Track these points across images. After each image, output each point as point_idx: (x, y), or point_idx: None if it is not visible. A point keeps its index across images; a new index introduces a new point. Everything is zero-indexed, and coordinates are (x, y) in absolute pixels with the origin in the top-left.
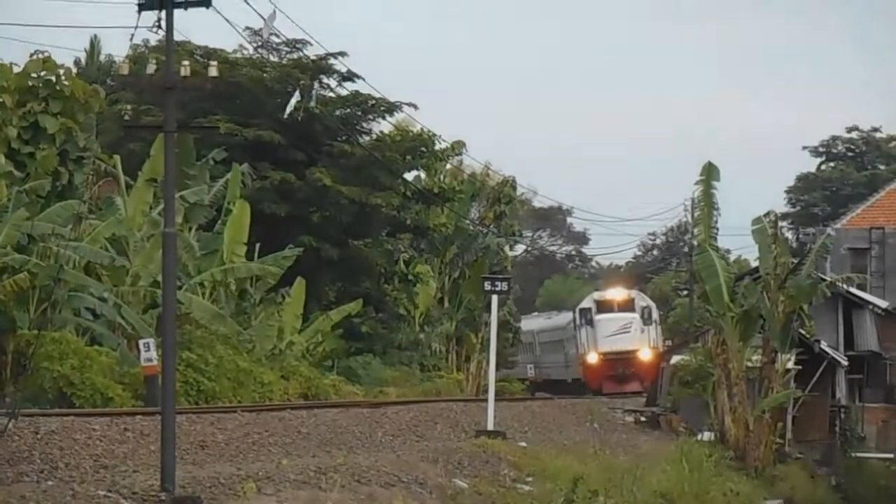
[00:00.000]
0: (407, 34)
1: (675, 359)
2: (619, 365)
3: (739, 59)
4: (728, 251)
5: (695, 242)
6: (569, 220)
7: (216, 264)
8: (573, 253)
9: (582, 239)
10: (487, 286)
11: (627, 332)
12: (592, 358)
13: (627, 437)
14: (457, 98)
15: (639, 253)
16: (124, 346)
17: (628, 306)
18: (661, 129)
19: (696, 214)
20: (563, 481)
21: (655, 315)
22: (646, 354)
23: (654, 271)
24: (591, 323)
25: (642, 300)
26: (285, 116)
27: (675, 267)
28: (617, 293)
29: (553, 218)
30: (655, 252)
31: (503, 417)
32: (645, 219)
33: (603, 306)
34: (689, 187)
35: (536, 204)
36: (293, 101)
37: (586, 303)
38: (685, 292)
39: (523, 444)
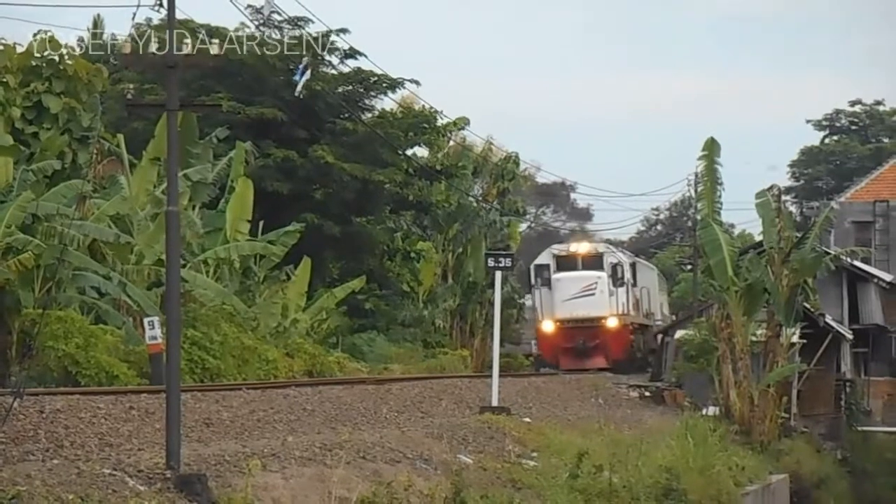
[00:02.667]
0: (405, 12)
1: (679, 333)
2: (580, 335)
3: (739, 32)
4: (732, 225)
5: (698, 217)
6: (572, 195)
7: (220, 242)
8: (577, 229)
9: (585, 215)
10: (491, 262)
11: (591, 295)
12: (548, 326)
13: (632, 412)
14: (459, 76)
15: (642, 228)
16: (129, 324)
17: (594, 263)
18: (662, 103)
19: (699, 189)
20: (567, 456)
21: (629, 274)
22: (613, 323)
23: (657, 246)
24: (547, 283)
25: (612, 255)
26: (296, 94)
27: (678, 242)
28: (581, 246)
29: (557, 194)
30: (659, 227)
31: (507, 393)
32: (648, 194)
33: (563, 262)
34: (692, 162)
35: (540, 180)
36: (303, 78)
37: (543, 258)
38: (689, 267)
39: (528, 419)
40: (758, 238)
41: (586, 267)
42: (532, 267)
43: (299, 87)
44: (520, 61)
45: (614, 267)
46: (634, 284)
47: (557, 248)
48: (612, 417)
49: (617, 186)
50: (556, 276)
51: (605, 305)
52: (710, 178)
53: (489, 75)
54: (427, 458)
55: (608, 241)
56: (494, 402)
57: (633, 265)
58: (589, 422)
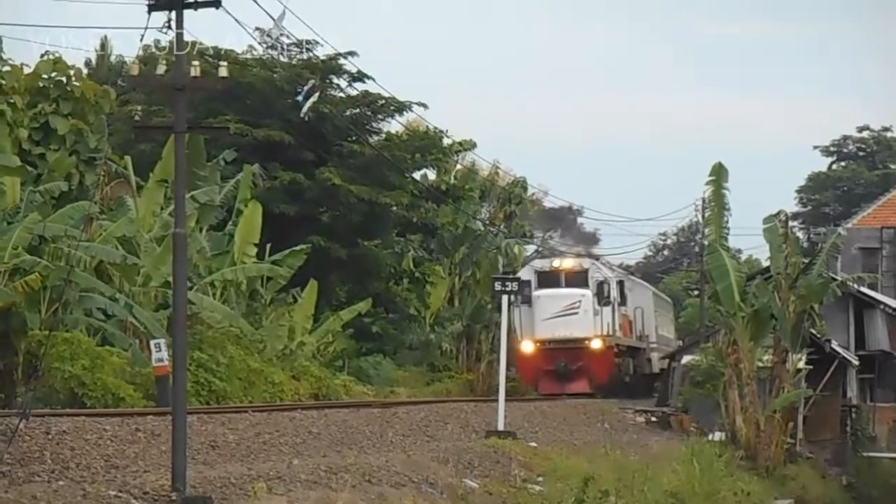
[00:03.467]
0: (409, 32)
1: (686, 358)
2: (562, 357)
3: (746, 58)
4: (739, 251)
5: (705, 242)
6: (579, 220)
7: (227, 265)
8: (583, 253)
9: (592, 239)
10: (497, 286)
11: (574, 314)
12: (527, 347)
13: (638, 437)
14: (465, 99)
15: (650, 253)
16: (136, 346)
17: (579, 279)
18: (668, 128)
19: (706, 214)
20: (573, 481)
21: (615, 292)
22: (597, 344)
23: (664, 271)
24: (528, 300)
25: (598, 271)
26: (301, 114)
27: (686, 267)
28: (564, 262)
29: (564, 218)
30: (666, 252)
31: (513, 417)
32: (656, 219)
33: (545, 278)
34: (699, 187)
35: (547, 204)
36: (309, 101)
37: (524, 273)
38: (696, 292)
39: (534, 444)
40: (765, 264)
41: (570, 284)
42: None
43: (304, 109)
44: (525, 85)
45: (600, 284)
46: (623, 303)
47: (539, 263)
48: (618, 442)
49: (624, 211)
50: (536, 293)
51: (590, 325)
52: (717, 204)
53: (493, 99)
54: (433, 482)
55: (594, 257)
56: (500, 427)
57: (620, 283)
58: (595, 446)
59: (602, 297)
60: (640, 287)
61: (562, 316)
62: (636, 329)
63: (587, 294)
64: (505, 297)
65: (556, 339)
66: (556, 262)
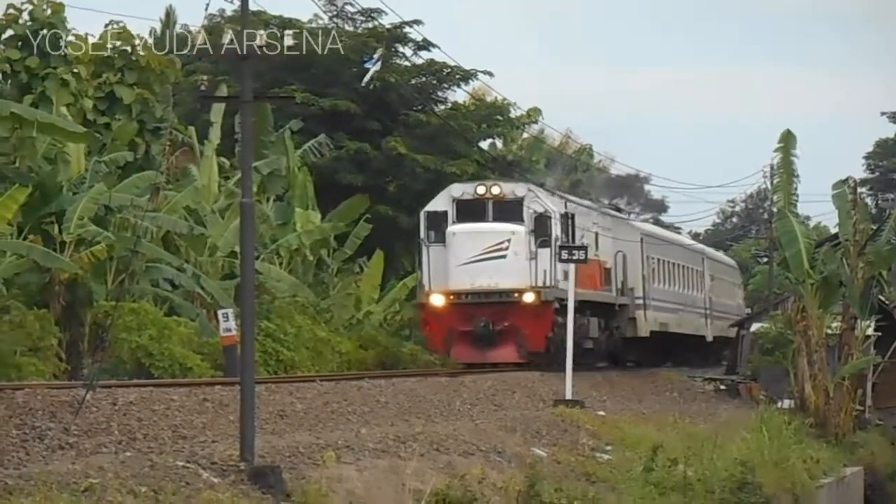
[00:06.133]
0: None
1: (755, 326)
2: (483, 314)
3: (814, 26)
4: (808, 217)
5: (774, 209)
6: (647, 187)
7: (289, 232)
8: (651, 221)
9: (660, 207)
10: (564, 255)
11: (501, 258)
12: (437, 300)
13: (707, 406)
14: (533, 66)
15: (718, 220)
16: (203, 316)
17: (510, 211)
18: (738, 95)
19: (775, 181)
20: (642, 450)
21: (558, 229)
22: (530, 298)
23: (733, 238)
24: (442, 238)
25: (537, 200)
26: (364, 83)
27: (754, 234)
28: (493, 187)
29: (631, 185)
30: (735, 219)
31: (581, 387)
32: (724, 185)
33: (466, 209)
34: (768, 153)
35: (614, 171)
36: (372, 70)
37: (438, 202)
38: (765, 259)
39: (602, 412)
40: (833, 230)
41: (498, 217)
42: (422, 215)
43: (367, 78)
44: (594, 54)
45: (539, 219)
46: (556, 239)
47: (458, 189)
48: (686, 411)
49: (692, 178)
50: (452, 228)
51: (521, 273)
52: (785, 170)
53: (560, 66)
54: (501, 450)
55: (538, 183)
56: (568, 396)
57: (569, 217)
58: (663, 415)
59: (541, 236)
60: (623, 225)
61: (484, 260)
62: (614, 280)
63: (519, 231)
64: (571, 266)
65: (475, 290)
66: (482, 188)
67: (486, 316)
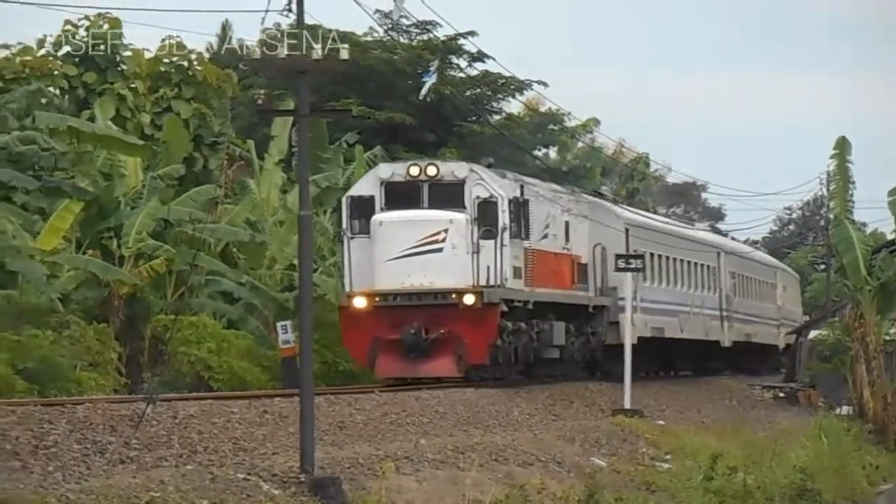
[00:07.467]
0: (532, 9)
1: (812, 333)
2: (414, 319)
3: (862, 36)
4: (864, 224)
5: (831, 216)
6: (703, 195)
7: None
8: (708, 229)
9: (717, 214)
10: (621, 264)
11: (437, 251)
12: (360, 303)
13: (766, 414)
14: (588, 77)
15: (775, 227)
16: (261, 328)
17: (449, 196)
18: (793, 102)
19: (831, 188)
20: (702, 458)
21: (507, 217)
22: (470, 300)
23: (790, 246)
24: (367, 229)
25: (481, 183)
26: (421, 96)
27: (811, 241)
28: (428, 167)
29: (688, 194)
30: (792, 226)
31: (640, 396)
32: (780, 193)
33: (396, 194)
34: (824, 160)
35: (670, 180)
36: (429, 82)
37: (364, 185)
38: (822, 266)
39: (661, 422)
40: (890, 236)
41: (435, 203)
42: (344, 201)
43: (424, 91)
44: (647, 61)
45: (483, 205)
46: (521, 235)
47: (387, 170)
48: (745, 419)
49: (749, 185)
50: (379, 216)
51: (462, 270)
52: (841, 177)
53: (617, 76)
54: (560, 460)
55: (485, 163)
56: (627, 405)
57: (521, 202)
58: (723, 423)
59: (485, 225)
60: (601, 210)
61: (416, 254)
62: (593, 277)
63: (459, 219)
64: (628, 275)
65: (405, 290)
66: (415, 169)
67: (419, 321)
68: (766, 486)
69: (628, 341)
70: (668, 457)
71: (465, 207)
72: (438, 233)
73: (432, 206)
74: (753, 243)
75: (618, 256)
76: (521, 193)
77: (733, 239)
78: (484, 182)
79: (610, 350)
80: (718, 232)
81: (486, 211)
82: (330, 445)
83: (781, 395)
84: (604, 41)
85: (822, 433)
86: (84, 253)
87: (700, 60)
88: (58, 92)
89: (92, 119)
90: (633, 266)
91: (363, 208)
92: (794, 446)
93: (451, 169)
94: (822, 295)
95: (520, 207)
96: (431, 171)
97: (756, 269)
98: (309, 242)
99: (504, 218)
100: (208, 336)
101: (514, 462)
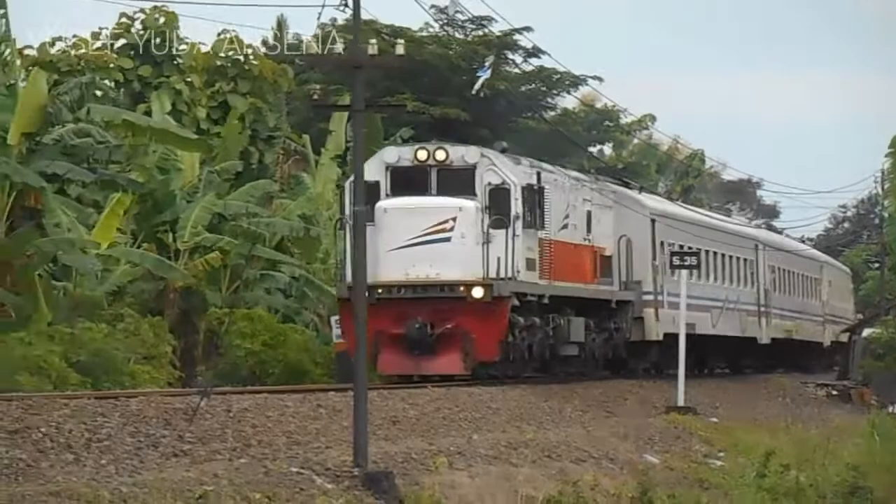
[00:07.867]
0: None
1: (866, 332)
2: (418, 313)
3: None
4: None
5: (885, 214)
6: (759, 192)
7: None
8: (762, 226)
9: (772, 212)
10: (676, 261)
11: (445, 241)
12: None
13: (819, 411)
14: (644, 73)
15: (829, 226)
16: (316, 322)
17: (459, 182)
18: (848, 100)
19: (885, 186)
20: (755, 456)
21: (520, 206)
22: (479, 293)
23: (845, 244)
24: (371, 216)
25: (493, 169)
26: (474, 92)
27: (866, 239)
28: (437, 152)
29: (743, 191)
30: (846, 224)
31: (693, 393)
32: (835, 191)
33: (402, 179)
34: (879, 158)
35: (726, 177)
36: (481, 78)
37: (369, 170)
38: (877, 265)
39: (714, 419)
40: None
41: (444, 189)
42: (346, 186)
43: (477, 86)
44: (704, 59)
45: (494, 192)
46: (536, 225)
47: (394, 154)
48: (798, 417)
49: (804, 183)
50: (383, 203)
51: (471, 261)
52: None
53: (675, 74)
54: (613, 457)
55: (498, 147)
56: (680, 402)
57: (537, 190)
58: (776, 421)
59: (497, 214)
60: (634, 205)
61: (423, 243)
62: (617, 271)
63: (468, 207)
64: (683, 272)
65: (410, 282)
66: (423, 153)
67: (424, 315)
68: (818, 483)
69: (682, 339)
70: (721, 454)
71: (475, 194)
72: (446, 221)
73: (441, 192)
74: (809, 240)
75: (672, 254)
76: (538, 181)
77: (787, 235)
78: (496, 168)
79: (633, 347)
80: (773, 229)
81: (498, 198)
82: (383, 440)
83: (835, 392)
84: (660, 41)
85: (875, 431)
86: (139, 246)
87: (756, 59)
88: (112, 85)
89: (148, 113)
90: (687, 263)
91: (367, 194)
92: (847, 444)
93: (462, 153)
94: (876, 293)
95: (535, 195)
96: (440, 155)
97: (799, 263)
98: (363, 237)
99: (517, 206)
100: (263, 329)
101: (566, 458)
